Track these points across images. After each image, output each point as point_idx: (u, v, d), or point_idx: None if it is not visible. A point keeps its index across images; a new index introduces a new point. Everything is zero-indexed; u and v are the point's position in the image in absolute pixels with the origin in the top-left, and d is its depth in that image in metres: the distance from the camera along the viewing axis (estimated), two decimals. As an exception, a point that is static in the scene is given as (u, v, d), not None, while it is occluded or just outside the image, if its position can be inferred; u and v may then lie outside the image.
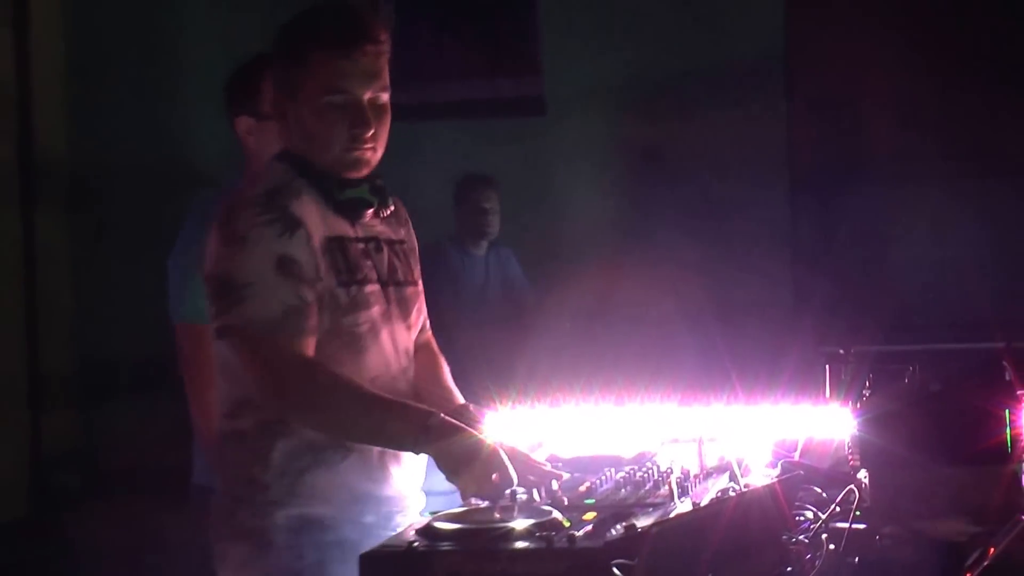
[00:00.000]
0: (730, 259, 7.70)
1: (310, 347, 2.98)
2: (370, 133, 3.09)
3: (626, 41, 8.23)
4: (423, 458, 3.05)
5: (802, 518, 2.63)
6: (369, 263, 3.14)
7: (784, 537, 2.50)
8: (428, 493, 3.25)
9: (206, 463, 3.99)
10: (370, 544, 2.78)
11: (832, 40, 7.82)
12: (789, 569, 2.42)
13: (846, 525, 2.58)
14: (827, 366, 3.23)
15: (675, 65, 8.17)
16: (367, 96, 3.09)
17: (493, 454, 2.82)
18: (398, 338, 3.18)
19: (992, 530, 2.46)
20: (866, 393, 3.07)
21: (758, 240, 7.92)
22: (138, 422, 8.40)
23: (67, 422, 8.89)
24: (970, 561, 2.37)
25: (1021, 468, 2.76)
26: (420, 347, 3.35)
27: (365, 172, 3.14)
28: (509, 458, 2.84)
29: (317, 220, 3.05)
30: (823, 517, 2.61)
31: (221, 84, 4.17)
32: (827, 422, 3.14)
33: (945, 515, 2.61)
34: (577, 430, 3.26)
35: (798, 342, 4.93)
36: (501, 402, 3.34)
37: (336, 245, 3.07)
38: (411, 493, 3.17)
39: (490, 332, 7.06)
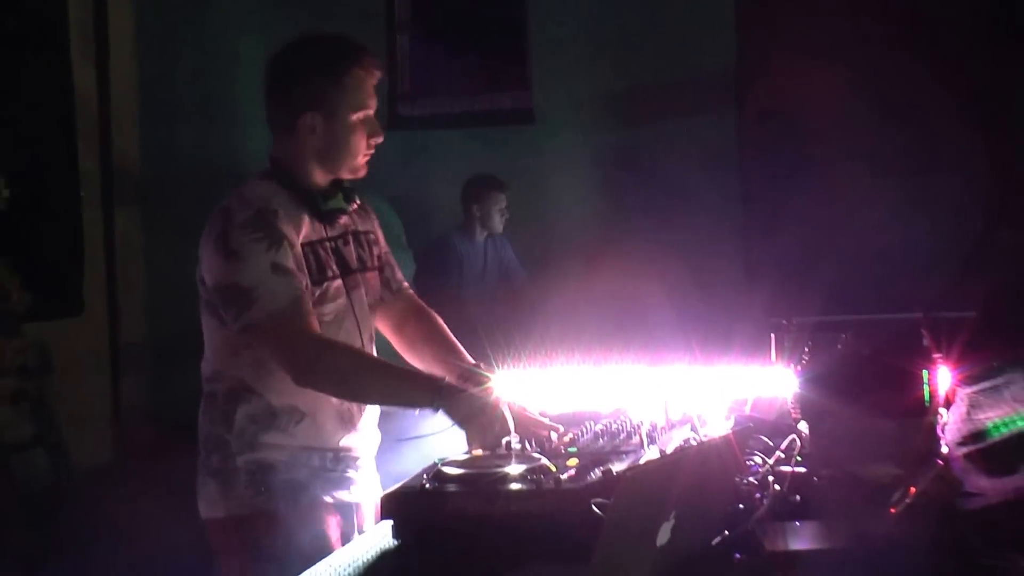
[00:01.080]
0: (691, 244, 7.67)
1: (316, 324, 2.96)
2: (381, 140, 3.09)
3: (602, 61, 8.20)
4: (373, 419, 3.13)
5: (752, 463, 2.59)
6: (336, 259, 3.11)
7: (737, 479, 2.47)
8: (397, 440, 3.26)
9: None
10: (315, 483, 2.96)
11: (777, 57, 7.79)
12: (741, 506, 2.39)
13: (789, 469, 2.55)
14: (773, 334, 3.20)
15: (643, 81, 8.15)
16: (373, 109, 3.09)
17: (495, 409, 2.81)
18: (361, 321, 3.15)
19: (913, 472, 2.43)
20: (806, 357, 3.03)
21: (715, 229, 7.90)
22: (199, 386, 8.38)
23: (141, 384, 8.89)
24: (894, 499, 2.33)
25: (937, 420, 2.73)
26: (415, 311, 3.34)
27: (361, 176, 3.13)
28: (512, 414, 2.81)
29: (297, 229, 3.01)
30: (770, 462, 2.58)
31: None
32: (773, 382, 3.12)
33: (873, 460, 2.58)
34: (562, 389, 3.24)
35: (749, 314, 4.91)
36: (500, 365, 3.30)
37: (310, 250, 3.04)
38: (358, 444, 3.13)
39: (489, 307, 7.03)
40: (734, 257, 7.97)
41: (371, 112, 3.07)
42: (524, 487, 2.40)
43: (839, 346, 3.02)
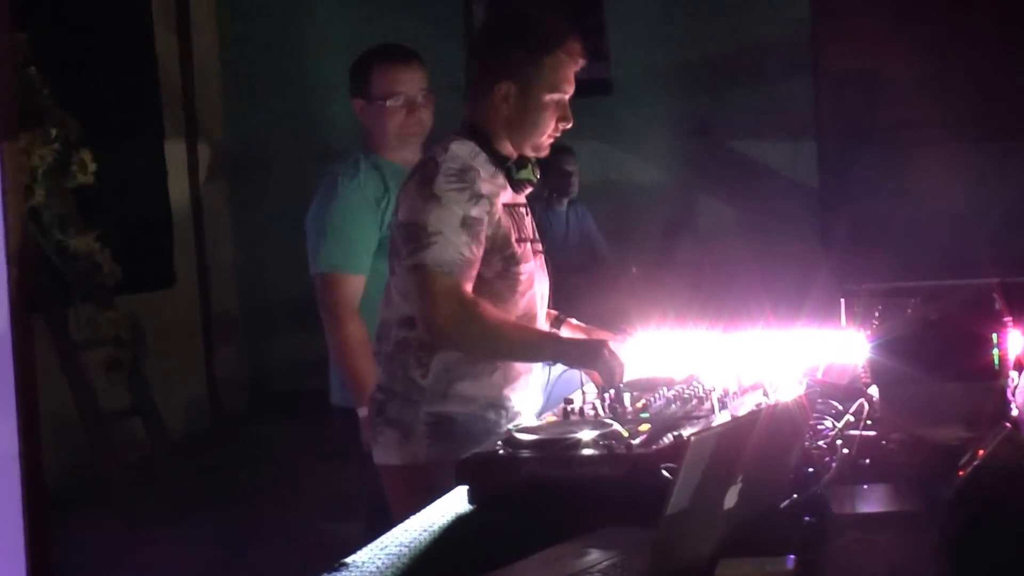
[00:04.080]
0: (766, 212, 7.66)
1: (470, 288, 3.06)
2: (569, 126, 3.19)
3: (676, 31, 8.19)
4: (538, 373, 3.26)
5: (822, 427, 2.59)
6: (528, 222, 3.25)
7: (807, 443, 2.47)
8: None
9: (340, 385, 4.01)
10: (488, 437, 2.95)
11: (851, 23, 7.72)
12: (811, 469, 2.38)
13: (859, 433, 2.54)
14: (844, 300, 3.18)
15: (717, 49, 8.13)
16: (569, 96, 3.16)
17: (610, 351, 2.99)
18: (542, 286, 3.28)
19: (982, 436, 2.41)
20: (876, 322, 3.01)
21: (789, 196, 7.87)
22: (289, 354, 8.49)
23: (234, 354, 9.01)
24: (963, 461, 2.32)
25: (1007, 383, 2.71)
26: None
27: (544, 155, 3.24)
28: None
29: (496, 191, 3.12)
30: (839, 426, 2.57)
31: (344, 75, 4.14)
32: (845, 347, 3.12)
33: (942, 423, 2.56)
34: (640, 355, 3.25)
35: (821, 280, 4.88)
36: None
37: (512, 210, 3.18)
38: (530, 396, 3.26)
39: (571, 276, 7.04)
40: (810, 223, 7.92)
41: (565, 96, 3.15)
42: (596, 452, 2.42)
43: (909, 311, 3.00)
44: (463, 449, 3.00)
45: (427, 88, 4.01)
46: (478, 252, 3.06)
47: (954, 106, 7.71)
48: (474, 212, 3.04)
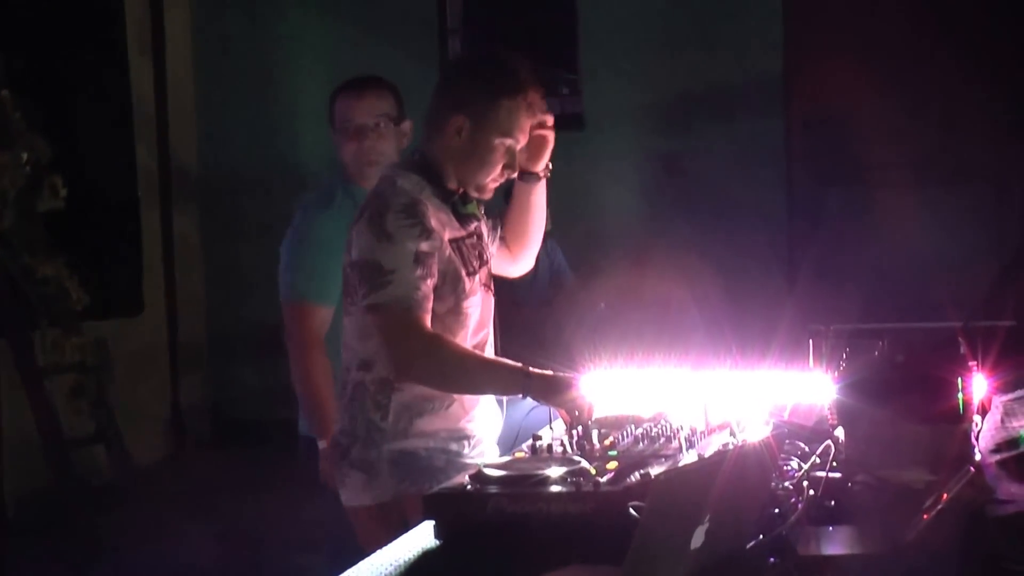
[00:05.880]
0: (735, 251, 7.67)
1: (429, 321, 3.06)
2: (514, 175, 3.22)
3: (648, 68, 8.21)
4: (493, 401, 3.28)
5: (788, 468, 2.59)
6: (476, 254, 3.24)
7: (773, 484, 2.47)
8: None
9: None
10: (451, 468, 3.03)
11: (821, 65, 7.77)
12: (776, 510, 2.39)
13: (824, 474, 2.55)
14: (811, 340, 3.19)
15: (689, 87, 8.15)
16: (521, 146, 3.19)
17: (579, 387, 2.98)
18: (487, 311, 3.29)
19: (946, 478, 2.43)
20: (843, 363, 3.02)
21: (757, 235, 7.89)
22: (256, 382, 8.45)
23: (199, 382, 8.95)
24: (927, 504, 2.33)
25: (970, 426, 2.72)
26: None
27: (487, 198, 3.26)
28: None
29: (443, 225, 3.13)
30: (805, 467, 2.58)
31: (323, 104, 4.15)
32: (811, 387, 3.12)
33: (907, 465, 2.58)
34: (606, 393, 3.24)
35: (788, 320, 4.89)
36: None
37: (458, 244, 3.16)
38: (490, 422, 3.29)
39: (538, 310, 7.04)
40: (777, 263, 7.95)
41: (516, 144, 3.17)
42: (564, 489, 2.42)
43: (876, 353, 3.01)
44: (429, 482, 3.02)
45: (390, 116, 4.00)
46: (431, 284, 3.07)
47: (921, 148, 7.78)
48: (425, 247, 3.04)
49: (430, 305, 3.07)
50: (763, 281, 7.69)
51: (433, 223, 3.08)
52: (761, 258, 7.83)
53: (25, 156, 6.35)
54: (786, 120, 8.07)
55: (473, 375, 3.11)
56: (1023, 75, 7.60)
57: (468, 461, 3.14)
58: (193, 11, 8.88)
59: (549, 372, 3.13)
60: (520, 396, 3.11)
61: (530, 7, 8.67)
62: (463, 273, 3.14)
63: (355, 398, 3.19)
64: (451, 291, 3.13)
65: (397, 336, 3.03)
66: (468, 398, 3.19)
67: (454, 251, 3.14)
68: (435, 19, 8.63)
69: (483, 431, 3.26)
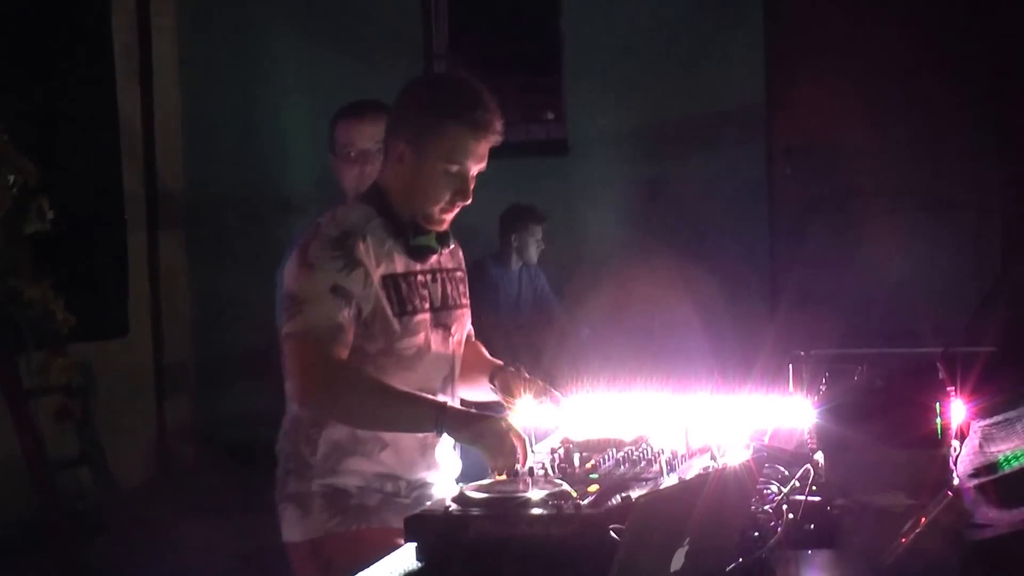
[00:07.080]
0: (717, 277, 7.68)
1: (345, 355, 2.91)
2: (468, 203, 3.03)
3: (634, 96, 8.24)
4: (443, 443, 3.07)
5: (768, 491, 2.60)
6: (425, 293, 3.06)
7: (753, 507, 2.47)
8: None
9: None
10: (386, 509, 2.93)
11: (804, 92, 7.81)
12: (756, 533, 2.39)
13: (804, 497, 2.55)
14: (791, 365, 3.20)
15: (674, 115, 8.18)
16: (473, 172, 3.00)
17: (505, 431, 2.79)
18: (441, 357, 3.11)
19: (924, 503, 2.43)
20: (823, 388, 3.03)
21: (739, 260, 7.91)
22: (242, 405, 8.43)
23: (185, 404, 8.93)
24: (906, 528, 2.34)
25: (949, 451, 2.73)
26: (466, 342, 3.32)
27: (442, 229, 3.08)
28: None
29: (382, 259, 2.97)
30: (785, 491, 2.58)
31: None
32: (791, 412, 3.12)
33: (886, 490, 2.58)
34: (588, 416, 3.24)
35: (769, 344, 4.91)
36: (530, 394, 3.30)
37: (393, 282, 2.99)
38: (437, 473, 3.12)
39: (522, 335, 7.05)
40: (760, 288, 7.97)
41: (464, 171, 2.98)
42: (544, 512, 2.41)
43: (855, 378, 3.02)
44: (361, 521, 2.98)
45: None
46: (350, 316, 2.91)
47: (902, 175, 7.82)
48: (345, 282, 2.90)
49: (348, 337, 2.91)
50: (745, 306, 7.71)
51: (365, 258, 2.93)
52: (743, 283, 7.85)
53: (12, 179, 6.34)
54: (768, 147, 8.11)
55: (381, 409, 2.92)
56: (1003, 103, 7.64)
57: (406, 502, 3.00)
58: (180, 36, 8.89)
59: (470, 410, 2.98)
60: (435, 433, 2.92)
61: (515, 33, 8.72)
62: (389, 313, 2.96)
63: (290, 431, 3.11)
64: (381, 330, 2.96)
65: (299, 366, 2.88)
66: (401, 444, 3.00)
67: (386, 288, 2.97)
68: (421, 44, 8.66)
69: (425, 473, 3.08)
